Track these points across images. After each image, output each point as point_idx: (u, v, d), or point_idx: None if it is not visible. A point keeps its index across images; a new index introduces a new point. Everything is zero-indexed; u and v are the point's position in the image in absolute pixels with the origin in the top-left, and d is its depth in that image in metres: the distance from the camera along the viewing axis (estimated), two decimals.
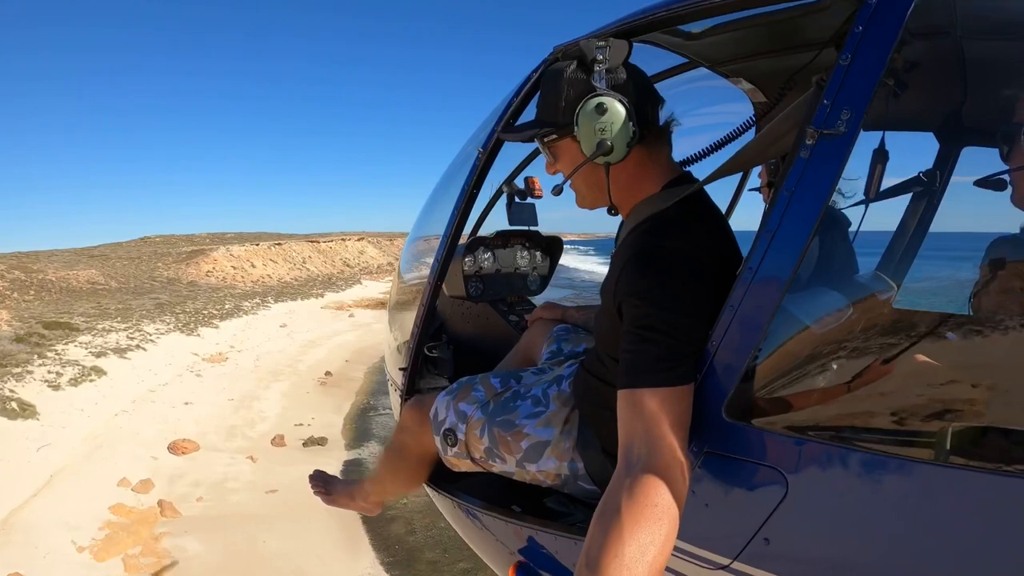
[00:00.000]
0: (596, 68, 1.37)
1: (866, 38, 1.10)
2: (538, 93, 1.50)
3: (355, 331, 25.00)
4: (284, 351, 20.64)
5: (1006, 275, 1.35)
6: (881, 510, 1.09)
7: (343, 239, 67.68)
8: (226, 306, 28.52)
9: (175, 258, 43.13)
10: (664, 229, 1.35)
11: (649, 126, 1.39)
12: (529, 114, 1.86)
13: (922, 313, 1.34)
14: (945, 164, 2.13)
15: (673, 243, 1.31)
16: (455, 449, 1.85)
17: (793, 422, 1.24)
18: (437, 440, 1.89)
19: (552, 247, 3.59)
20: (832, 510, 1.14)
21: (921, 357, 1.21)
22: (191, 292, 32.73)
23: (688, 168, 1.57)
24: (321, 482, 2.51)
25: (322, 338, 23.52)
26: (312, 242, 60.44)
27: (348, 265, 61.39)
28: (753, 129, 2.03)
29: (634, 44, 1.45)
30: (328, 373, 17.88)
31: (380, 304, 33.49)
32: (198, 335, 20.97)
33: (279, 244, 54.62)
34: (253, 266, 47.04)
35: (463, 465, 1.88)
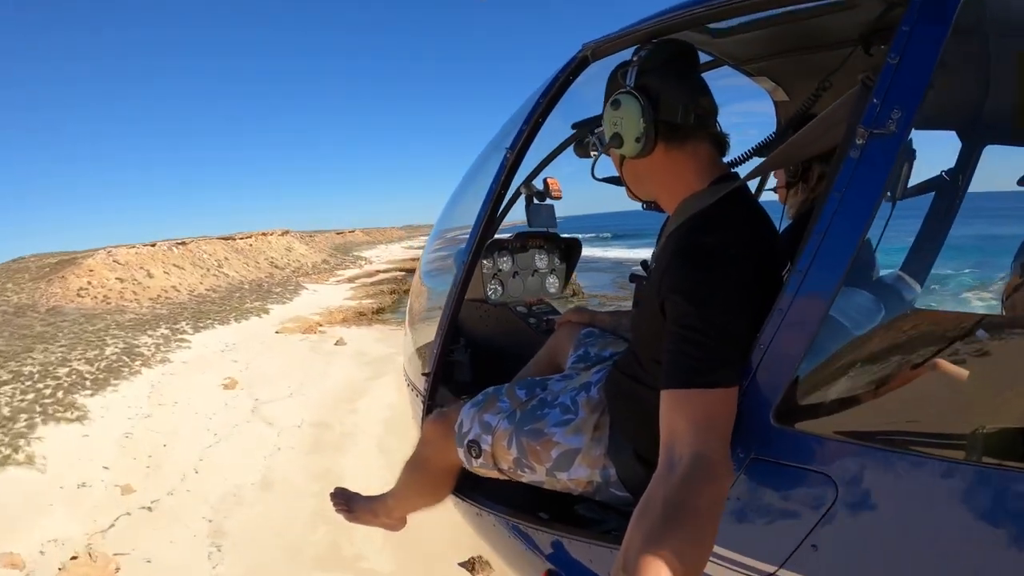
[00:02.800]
0: (629, 68, 1.48)
1: (915, 37, 1.12)
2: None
3: (383, 382, 15.92)
4: (271, 482, 10.48)
5: None
6: (932, 515, 1.12)
7: (264, 235, 59.86)
8: (109, 349, 19.46)
9: (34, 274, 33.75)
10: (708, 226, 1.39)
11: (678, 123, 1.45)
12: (560, 112, 2.04)
13: (963, 315, 1.39)
14: (967, 162, 2.28)
15: (718, 240, 1.35)
16: (480, 460, 1.88)
17: (843, 427, 1.26)
18: (461, 452, 1.92)
19: (570, 249, 3.67)
20: (882, 515, 1.16)
21: (966, 358, 1.23)
22: (49, 328, 23.19)
23: (734, 169, 1.63)
24: (343, 500, 2.48)
25: (336, 413, 13.67)
26: (227, 240, 52.45)
27: (277, 266, 53.89)
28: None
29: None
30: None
31: (364, 315, 30.26)
32: (26, 462, 10.07)
33: (183, 244, 45.29)
34: (150, 275, 37.25)
35: (491, 475, 1.92)
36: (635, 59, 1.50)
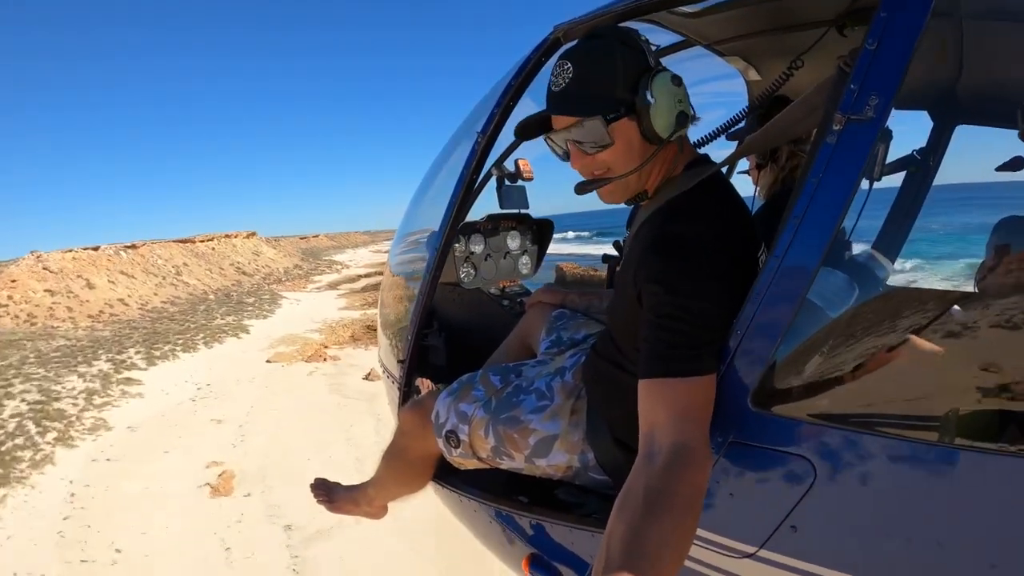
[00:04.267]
0: (645, 47, 1.43)
1: (893, 23, 1.15)
2: (570, 74, 1.45)
3: None
4: None
5: (1012, 260, 1.43)
6: (909, 495, 1.17)
7: (228, 237, 54.97)
8: (8, 409, 12.31)
9: None
10: (683, 214, 1.42)
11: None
12: (531, 97, 2.04)
13: (937, 293, 1.41)
14: (938, 142, 2.36)
15: (694, 228, 1.37)
16: (459, 450, 1.91)
17: (820, 409, 1.31)
18: (440, 442, 1.95)
19: (543, 230, 3.72)
20: (860, 496, 1.22)
21: (942, 339, 1.27)
22: None
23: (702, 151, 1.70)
24: (324, 490, 2.50)
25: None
26: (185, 243, 47.73)
27: (244, 272, 48.61)
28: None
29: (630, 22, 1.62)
30: None
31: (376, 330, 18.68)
32: None
33: (133, 248, 39.99)
34: (90, 285, 30.86)
35: (469, 464, 1.96)
36: (645, 38, 1.46)
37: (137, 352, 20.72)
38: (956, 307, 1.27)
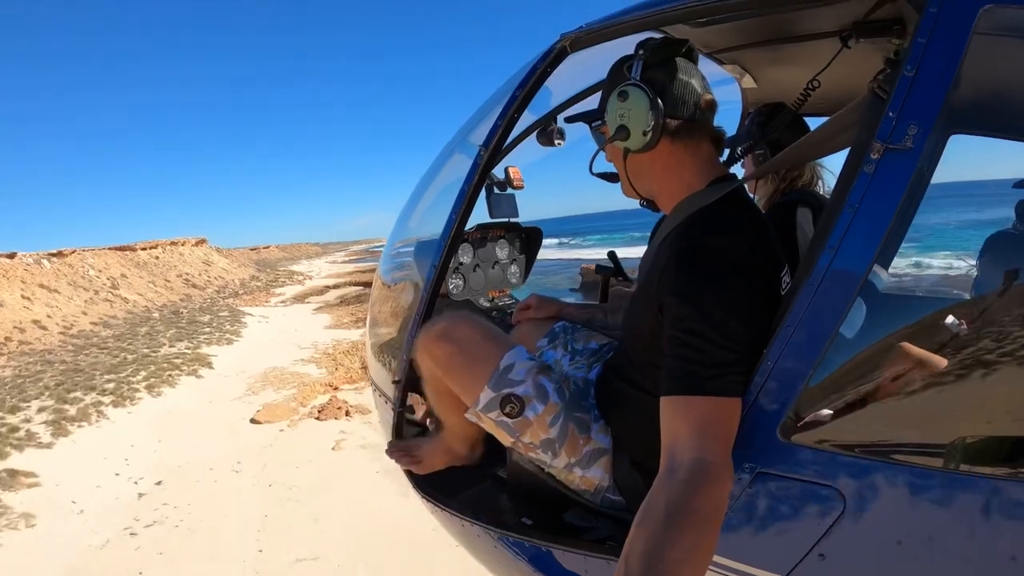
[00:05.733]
0: (634, 60, 1.54)
1: (931, 49, 1.15)
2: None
3: None
4: None
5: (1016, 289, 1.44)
6: (936, 524, 1.19)
7: (175, 244, 49.23)
8: None
9: None
10: (709, 227, 1.43)
11: (683, 119, 1.53)
12: (536, 104, 2.07)
13: (957, 310, 1.44)
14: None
15: (719, 240, 1.38)
16: (509, 419, 1.74)
17: (848, 440, 1.32)
18: (487, 395, 1.75)
19: (531, 238, 3.72)
20: (889, 525, 1.24)
21: (964, 366, 1.28)
22: None
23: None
24: (404, 452, 2.31)
25: None
26: (124, 251, 42.08)
27: (195, 284, 42.78)
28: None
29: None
30: None
31: None
32: None
33: (59, 256, 33.85)
34: None
35: (493, 431, 1.82)
36: (640, 52, 1.54)
37: (42, 410, 13.90)
38: (963, 326, 1.29)
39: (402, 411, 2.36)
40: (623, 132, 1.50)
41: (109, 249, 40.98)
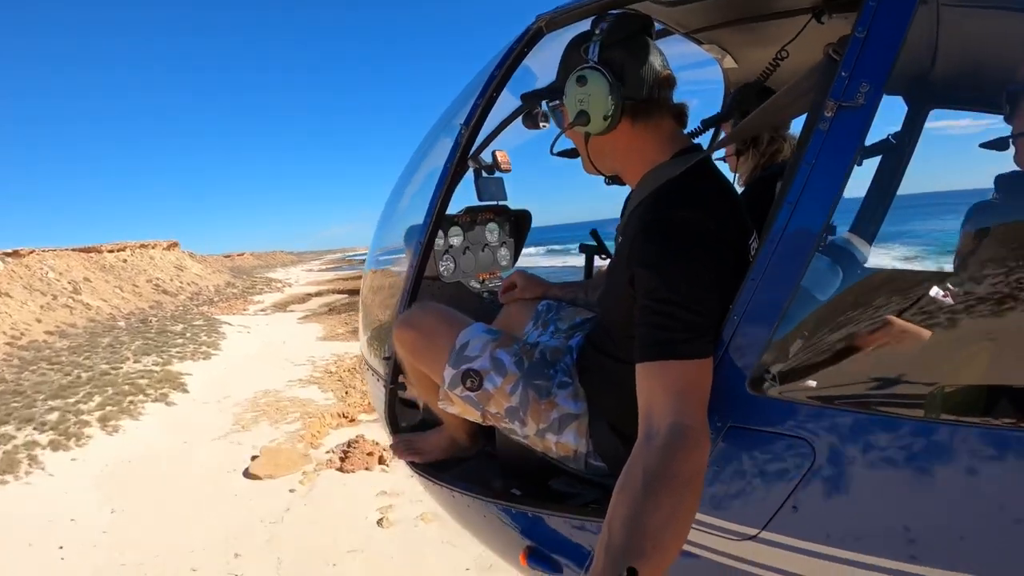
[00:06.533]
0: (591, 41, 1.56)
1: (881, 12, 1.21)
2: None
3: None
4: None
5: (990, 242, 1.52)
6: (907, 473, 1.24)
7: (145, 247, 45.83)
8: None
9: None
10: (674, 198, 1.48)
11: (642, 99, 1.56)
12: (515, 84, 2.13)
13: (922, 274, 1.59)
14: (913, 126, 2.44)
15: (684, 212, 1.44)
16: (470, 393, 1.87)
17: (816, 391, 1.38)
18: (449, 372, 1.89)
19: (520, 220, 3.79)
20: (859, 474, 1.29)
21: (928, 319, 1.37)
22: None
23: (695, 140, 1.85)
24: (406, 447, 2.39)
25: None
26: (88, 252, 38.78)
27: (166, 291, 39.85)
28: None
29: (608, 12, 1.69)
30: None
31: None
32: None
33: (15, 255, 30.51)
34: None
35: (459, 411, 1.95)
36: (597, 32, 1.55)
37: None
38: (939, 287, 1.35)
39: (394, 387, 2.40)
40: (583, 117, 1.53)
41: (72, 250, 38.12)
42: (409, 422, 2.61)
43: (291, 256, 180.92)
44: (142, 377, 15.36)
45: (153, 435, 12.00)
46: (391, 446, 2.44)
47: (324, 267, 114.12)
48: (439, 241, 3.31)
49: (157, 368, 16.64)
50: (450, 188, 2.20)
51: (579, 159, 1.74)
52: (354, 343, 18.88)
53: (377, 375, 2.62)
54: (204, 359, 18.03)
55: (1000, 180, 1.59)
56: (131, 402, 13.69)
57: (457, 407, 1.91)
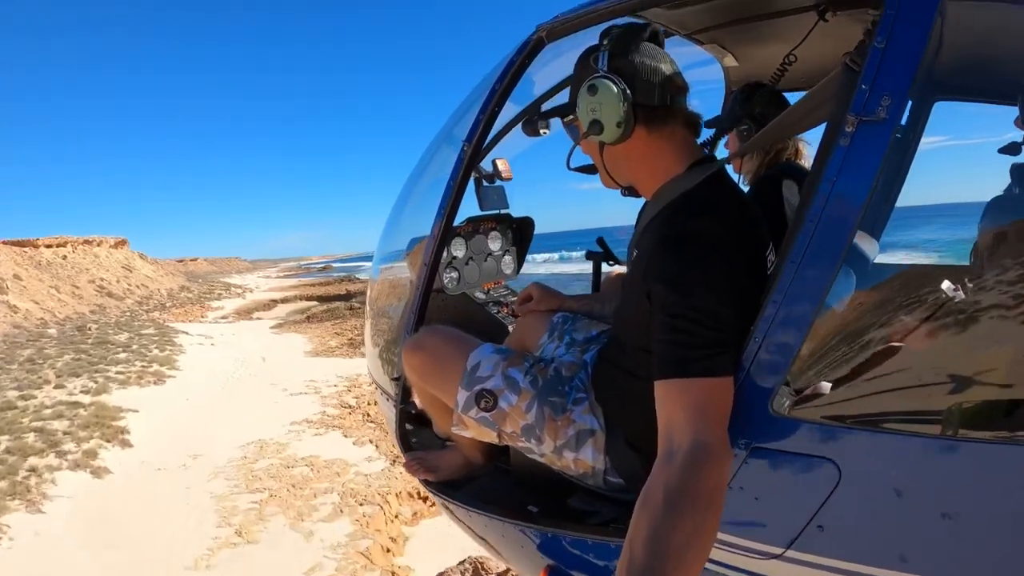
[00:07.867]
0: (600, 52, 1.57)
1: (901, 21, 1.18)
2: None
3: None
4: None
5: (1012, 238, 1.54)
6: (934, 492, 1.24)
7: (89, 243, 40.83)
8: None
9: None
10: (691, 211, 1.49)
11: (655, 105, 1.55)
12: (516, 96, 2.13)
13: (947, 271, 1.51)
14: (918, 119, 2.45)
15: (702, 224, 1.43)
16: (485, 414, 1.86)
17: (839, 411, 1.38)
18: (462, 395, 1.88)
19: (523, 228, 3.76)
20: (887, 495, 1.28)
21: (951, 332, 1.37)
22: None
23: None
24: (421, 463, 2.35)
25: None
26: (22, 247, 34.26)
27: (111, 294, 34.34)
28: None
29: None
30: None
31: None
32: None
33: None
34: None
35: (474, 433, 1.93)
36: (605, 42, 1.57)
37: None
38: (959, 291, 1.33)
39: (404, 407, 2.41)
40: (596, 127, 1.53)
41: (3, 243, 34.13)
42: (421, 439, 2.58)
43: (246, 263, 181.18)
44: (60, 416, 10.48)
45: (61, 555, 6.25)
46: (404, 464, 2.41)
47: (281, 274, 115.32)
48: (443, 253, 3.30)
49: (86, 398, 11.81)
50: (455, 204, 2.18)
51: (596, 174, 1.75)
52: (358, 359, 16.06)
53: (386, 394, 2.61)
54: (155, 383, 13.45)
55: (1015, 171, 1.62)
56: (32, 472, 8.21)
57: (472, 430, 1.92)
